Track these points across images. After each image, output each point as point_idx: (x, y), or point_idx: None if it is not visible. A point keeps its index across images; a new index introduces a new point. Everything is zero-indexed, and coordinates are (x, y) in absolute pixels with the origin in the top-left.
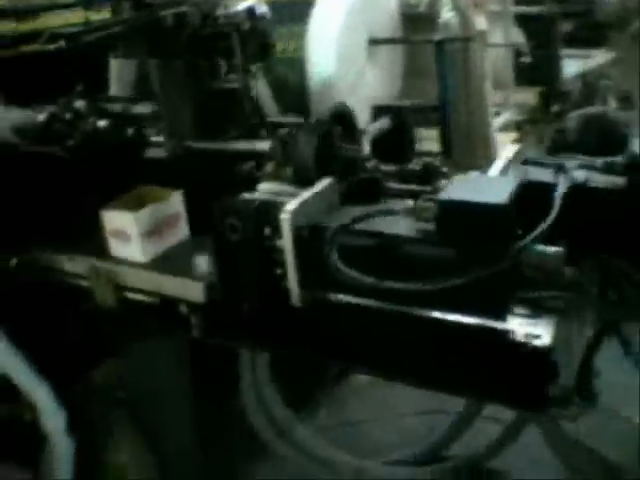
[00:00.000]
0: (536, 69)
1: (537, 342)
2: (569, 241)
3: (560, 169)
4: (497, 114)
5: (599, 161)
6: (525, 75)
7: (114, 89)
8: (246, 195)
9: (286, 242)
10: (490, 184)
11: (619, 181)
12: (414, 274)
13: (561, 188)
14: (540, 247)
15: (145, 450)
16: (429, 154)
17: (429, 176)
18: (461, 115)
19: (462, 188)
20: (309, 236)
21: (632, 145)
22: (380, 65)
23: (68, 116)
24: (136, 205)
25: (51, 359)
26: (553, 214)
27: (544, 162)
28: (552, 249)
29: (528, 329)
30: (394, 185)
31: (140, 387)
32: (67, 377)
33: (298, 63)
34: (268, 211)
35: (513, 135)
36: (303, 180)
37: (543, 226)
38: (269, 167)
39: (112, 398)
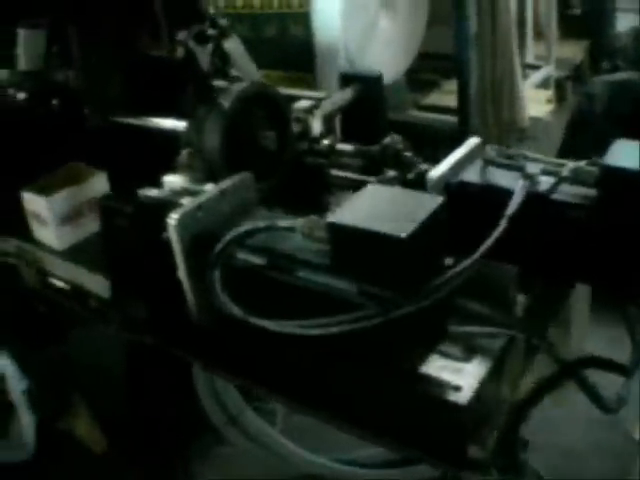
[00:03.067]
0: (585, 21)
1: (454, 396)
2: (522, 263)
3: (521, 173)
4: (535, 68)
5: (569, 166)
6: (572, 27)
7: (22, 63)
8: (144, 192)
9: (177, 253)
10: (404, 203)
11: (589, 194)
12: (309, 303)
13: (516, 198)
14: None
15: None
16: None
17: (389, 162)
18: (485, 68)
19: (364, 206)
20: (200, 247)
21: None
22: (398, 13)
23: None
24: (57, 186)
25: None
26: (496, 232)
27: (505, 163)
28: (501, 269)
29: (449, 377)
30: (343, 174)
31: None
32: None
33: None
34: (164, 213)
35: (549, 93)
36: (211, 174)
37: (474, 257)
38: (183, 155)
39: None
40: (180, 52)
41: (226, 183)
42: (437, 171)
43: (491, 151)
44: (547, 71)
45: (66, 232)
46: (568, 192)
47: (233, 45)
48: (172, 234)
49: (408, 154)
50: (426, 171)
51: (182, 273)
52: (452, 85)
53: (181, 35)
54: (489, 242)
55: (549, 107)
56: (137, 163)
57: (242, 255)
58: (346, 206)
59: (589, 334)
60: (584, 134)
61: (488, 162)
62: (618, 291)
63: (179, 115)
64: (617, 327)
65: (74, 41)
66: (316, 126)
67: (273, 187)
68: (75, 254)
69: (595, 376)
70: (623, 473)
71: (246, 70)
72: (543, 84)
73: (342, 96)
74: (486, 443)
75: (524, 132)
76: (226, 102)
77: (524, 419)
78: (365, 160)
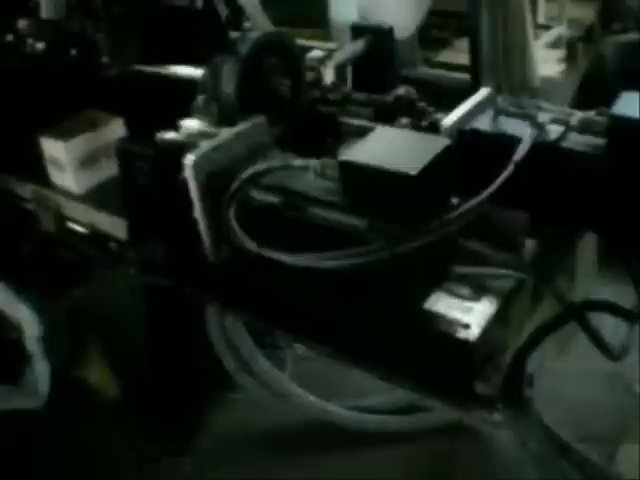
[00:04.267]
0: None
1: (463, 333)
2: (532, 209)
3: (531, 121)
4: (547, 28)
5: (577, 116)
6: None
7: (43, 11)
8: (162, 134)
9: (193, 193)
10: (413, 144)
11: (598, 143)
12: (321, 240)
13: (523, 145)
14: (498, 212)
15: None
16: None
17: (402, 111)
18: (496, 25)
19: (374, 146)
20: (216, 187)
21: None
22: None
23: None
24: (75, 132)
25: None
26: (502, 177)
27: (515, 111)
28: (512, 215)
29: (457, 315)
30: (356, 122)
31: (103, 312)
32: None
33: None
34: (181, 154)
35: (560, 53)
36: (226, 119)
37: (483, 195)
38: (199, 101)
39: (81, 321)
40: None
41: (241, 126)
42: (450, 119)
43: (503, 101)
44: (558, 31)
45: (84, 176)
46: (577, 141)
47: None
48: (189, 174)
49: (422, 104)
50: (439, 119)
51: (198, 212)
52: (463, 43)
53: None
54: (496, 185)
55: (560, 67)
56: (154, 110)
57: (256, 194)
58: (357, 146)
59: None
60: (595, 94)
61: (500, 111)
62: (624, 240)
63: (196, 63)
64: (623, 284)
65: None
66: (328, 75)
67: (286, 132)
68: (93, 198)
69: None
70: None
71: (259, 23)
72: (554, 44)
73: (353, 47)
74: (492, 379)
75: (535, 91)
76: (242, 49)
77: (529, 355)
78: (377, 109)
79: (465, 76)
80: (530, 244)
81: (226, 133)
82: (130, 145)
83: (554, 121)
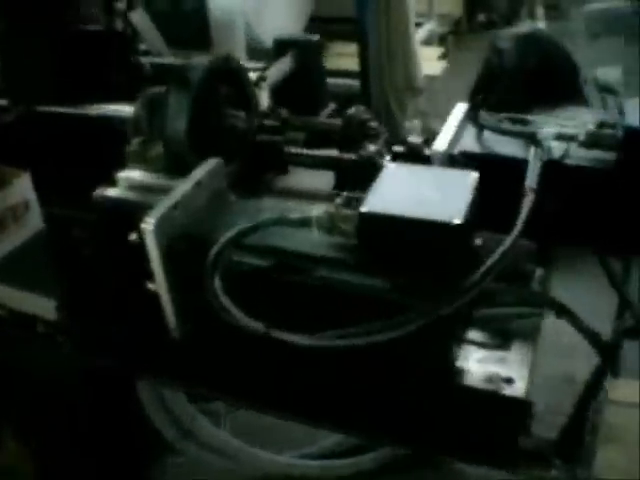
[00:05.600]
0: None
1: (509, 390)
2: (538, 233)
3: (532, 140)
4: (419, 25)
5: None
6: None
7: None
8: (100, 192)
9: (154, 262)
10: (437, 183)
11: (606, 157)
12: (329, 306)
13: (533, 168)
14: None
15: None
16: (347, 73)
17: (353, 137)
18: (381, 27)
19: (394, 190)
20: (185, 251)
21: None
22: None
23: None
24: None
25: None
26: (525, 210)
27: (507, 129)
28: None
29: (494, 368)
30: (302, 151)
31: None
32: None
33: None
34: (128, 215)
35: (438, 50)
36: (176, 164)
37: (512, 237)
38: (134, 145)
39: None
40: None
41: (199, 172)
42: (441, 143)
43: (485, 115)
44: (430, 27)
45: None
46: (582, 156)
47: (140, 18)
48: (149, 240)
49: (374, 124)
50: (418, 143)
51: (160, 283)
52: (340, 47)
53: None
54: (522, 220)
55: (442, 64)
56: (70, 159)
57: (240, 257)
58: (373, 192)
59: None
60: (493, 88)
61: (482, 128)
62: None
63: (117, 97)
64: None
65: None
66: (264, 99)
67: (239, 172)
68: (4, 273)
69: None
70: None
71: (155, 44)
72: (427, 40)
73: (283, 65)
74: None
75: (419, 91)
76: (193, 77)
77: (592, 399)
78: (322, 133)
79: (352, 82)
80: (539, 272)
81: (184, 184)
82: (62, 209)
83: (555, 136)
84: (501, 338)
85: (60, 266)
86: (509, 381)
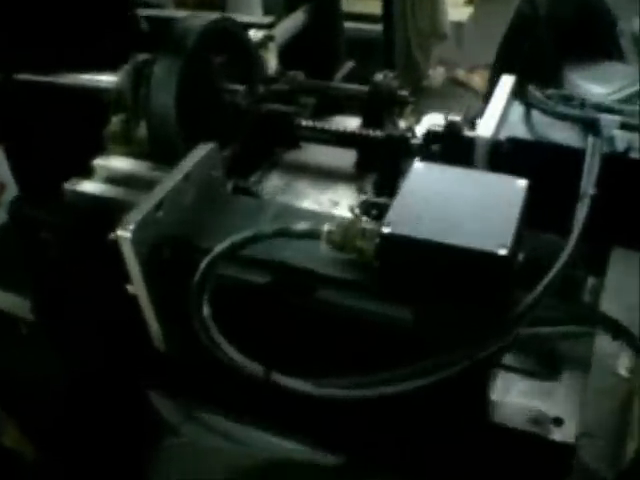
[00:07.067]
0: None
1: (558, 435)
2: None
3: (592, 126)
4: None
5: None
6: None
7: None
8: (71, 186)
9: (133, 272)
10: (478, 193)
11: None
12: (332, 334)
13: (590, 169)
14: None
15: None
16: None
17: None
18: None
19: (424, 202)
20: (170, 260)
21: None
22: None
23: None
24: None
25: None
26: (581, 218)
27: (564, 112)
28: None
29: (538, 404)
30: (319, 124)
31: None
32: None
33: None
34: (104, 214)
35: None
36: (163, 150)
37: (569, 249)
38: (115, 124)
39: None
40: None
41: (189, 162)
42: (487, 128)
43: (534, 93)
44: None
45: None
46: None
47: None
48: (126, 249)
49: (404, 93)
50: (459, 126)
51: (142, 297)
52: None
53: None
54: (578, 232)
55: (468, 10)
56: (47, 136)
57: (233, 271)
58: (398, 204)
59: None
60: (524, 39)
61: (531, 107)
62: None
63: (101, 64)
64: None
65: None
66: (272, 60)
67: (237, 155)
68: None
69: None
70: None
71: None
72: None
73: (294, 22)
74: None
75: (445, 37)
76: (184, 43)
77: None
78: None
79: (376, 27)
80: (591, 281)
81: (170, 177)
82: (29, 209)
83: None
84: (546, 364)
85: (29, 267)
86: (558, 421)
